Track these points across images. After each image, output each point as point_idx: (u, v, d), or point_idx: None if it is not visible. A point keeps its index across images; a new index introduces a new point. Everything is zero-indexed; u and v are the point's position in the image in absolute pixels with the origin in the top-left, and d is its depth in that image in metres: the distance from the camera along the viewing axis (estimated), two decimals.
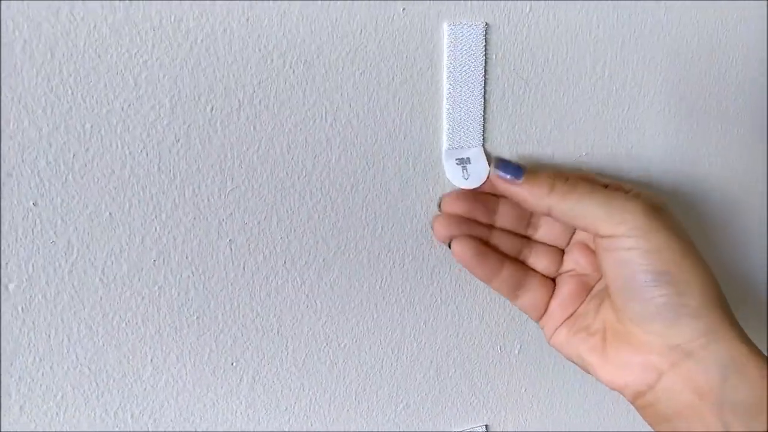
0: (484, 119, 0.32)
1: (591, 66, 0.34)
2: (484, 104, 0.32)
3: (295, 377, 0.32)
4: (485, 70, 0.31)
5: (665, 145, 0.37)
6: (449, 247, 0.31)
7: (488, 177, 0.31)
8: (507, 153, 0.33)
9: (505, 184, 0.30)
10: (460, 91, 0.31)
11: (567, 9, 0.32)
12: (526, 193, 0.30)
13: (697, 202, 0.40)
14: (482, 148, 0.32)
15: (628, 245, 0.28)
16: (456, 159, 0.32)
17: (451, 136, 0.32)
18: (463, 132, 0.32)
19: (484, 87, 0.32)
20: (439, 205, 0.32)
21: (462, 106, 0.32)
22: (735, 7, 0.37)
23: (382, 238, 0.32)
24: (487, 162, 0.32)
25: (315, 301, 0.31)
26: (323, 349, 0.32)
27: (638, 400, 0.29)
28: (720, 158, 0.40)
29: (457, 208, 0.32)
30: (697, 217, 0.40)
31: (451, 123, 0.32)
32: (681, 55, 0.36)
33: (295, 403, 0.32)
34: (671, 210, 0.30)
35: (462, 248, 0.31)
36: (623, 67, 0.35)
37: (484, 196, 0.32)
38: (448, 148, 0.32)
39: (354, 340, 0.33)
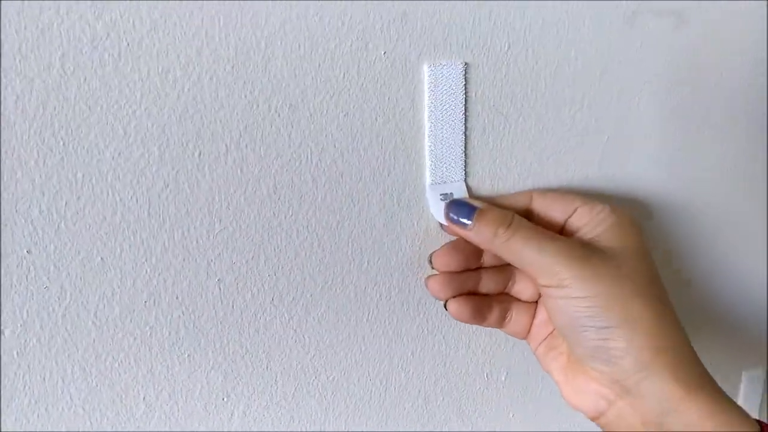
0: (465, 155, 0.33)
1: (570, 97, 0.35)
2: (465, 140, 0.33)
3: (285, 411, 0.33)
4: (465, 108, 0.32)
5: (648, 171, 0.38)
6: (444, 305, 0.33)
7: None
8: (488, 187, 0.34)
9: (455, 227, 0.32)
10: (442, 128, 0.32)
11: (545, 44, 0.33)
12: (474, 237, 0.31)
13: (682, 227, 0.41)
14: (464, 183, 0.33)
15: (560, 294, 0.29)
16: (440, 194, 0.33)
17: (433, 171, 0.33)
18: (446, 167, 0.33)
19: (465, 124, 0.33)
20: (430, 260, 0.33)
21: (444, 142, 0.32)
22: (714, 39, 0.38)
23: (368, 273, 0.33)
24: (468, 196, 0.33)
25: (303, 336, 0.32)
26: (312, 383, 0.33)
27: (596, 421, 0.31)
28: (710, 184, 0.41)
29: (449, 264, 0.33)
30: (680, 236, 0.41)
31: (433, 159, 0.32)
32: (661, 83, 0.37)
33: None
34: (636, 228, 0.31)
35: (458, 309, 0.32)
36: (603, 96, 0.36)
37: (470, 244, 0.33)
38: (432, 183, 0.33)
39: (342, 373, 0.34)
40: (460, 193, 0.33)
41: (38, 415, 0.28)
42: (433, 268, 0.33)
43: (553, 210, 0.33)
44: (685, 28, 0.37)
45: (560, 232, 0.33)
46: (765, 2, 0.39)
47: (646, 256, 0.31)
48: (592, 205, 0.32)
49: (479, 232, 0.31)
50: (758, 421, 0.29)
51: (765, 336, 0.50)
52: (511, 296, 0.34)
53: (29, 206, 0.26)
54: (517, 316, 0.34)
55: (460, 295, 0.33)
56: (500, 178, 0.34)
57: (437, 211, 0.32)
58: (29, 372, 0.28)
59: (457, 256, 0.32)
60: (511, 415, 0.38)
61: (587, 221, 0.32)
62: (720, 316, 0.46)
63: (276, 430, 0.33)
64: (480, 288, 0.33)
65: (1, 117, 0.25)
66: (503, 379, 0.38)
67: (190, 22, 0.27)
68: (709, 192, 0.42)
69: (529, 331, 0.34)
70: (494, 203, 0.33)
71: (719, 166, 0.41)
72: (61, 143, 0.26)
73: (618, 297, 0.29)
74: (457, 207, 0.32)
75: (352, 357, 0.34)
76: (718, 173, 0.41)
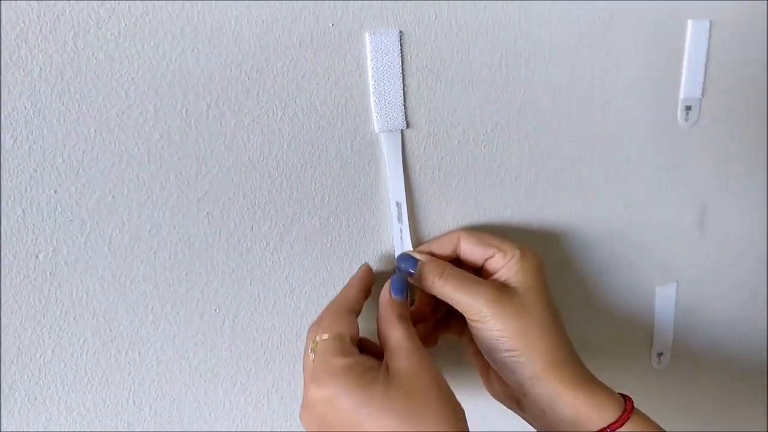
0: (405, 107, 0.41)
1: (489, 59, 0.43)
2: (404, 95, 0.40)
3: (267, 319, 0.41)
4: (402, 68, 0.40)
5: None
6: None
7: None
8: (425, 132, 0.42)
9: (403, 275, 0.41)
10: (383, 85, 0.39)
11: (465, 15, 0.41)
12: (417, 284, 0.41)
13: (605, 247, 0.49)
14: (410, 240, 0.43)
15: (480, 327, 0.39)
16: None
17: (379, 121, 0.40)
18: (389, 117, 0.40)
19: (403, 81, 0.40)
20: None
21: (386, 97, 0.40)
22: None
23: (329, 206, 0.40)
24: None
25: (279, 258, 0.40)
26: (288, 295, 0.41)
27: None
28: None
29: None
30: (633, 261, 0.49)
31: (378, 111, 0.40)
32: (563, 48, 0.45)
33: (268, 339, 0.41)
34: (538, 271, 0.41)
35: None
36: (516, 58, 0.43)
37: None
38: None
39: (312, 287, 0.41)
40: (407, 246, 0.42)
41: (68, 323, 0.36)
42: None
43: (475, 253, 0.42)
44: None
45: (481, 268, 0.42)
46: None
47: (544, 293, 0.41)
48: (505, 252, 0.41)
49: (420, 281, 0.40)
50: (623, 396, 0.39)
51: (765, 335, 0.59)
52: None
53: (54, 156, 0.33)
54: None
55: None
56: (435, 126, 0.42)
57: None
58: (59, 288, 0.35)
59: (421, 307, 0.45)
60: None
61: (501, 266, 0.41)
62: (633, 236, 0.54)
63: (260, 335, 0.41)
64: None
65: (31, 86, 0.32)
66: None
67: (174, 6, 0.33)
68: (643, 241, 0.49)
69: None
70: (431, 247, 0.43)
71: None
72: (77, 105, 0.33)
73: (521, 329, 0.39)
74: (405, 260, 0.41)
75: (319, 275, 0.41)
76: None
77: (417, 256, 0.41)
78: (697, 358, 0.62)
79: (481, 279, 0.41)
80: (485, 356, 0.41)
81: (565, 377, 0.39)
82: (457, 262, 0.43)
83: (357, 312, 0.39)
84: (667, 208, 0.54)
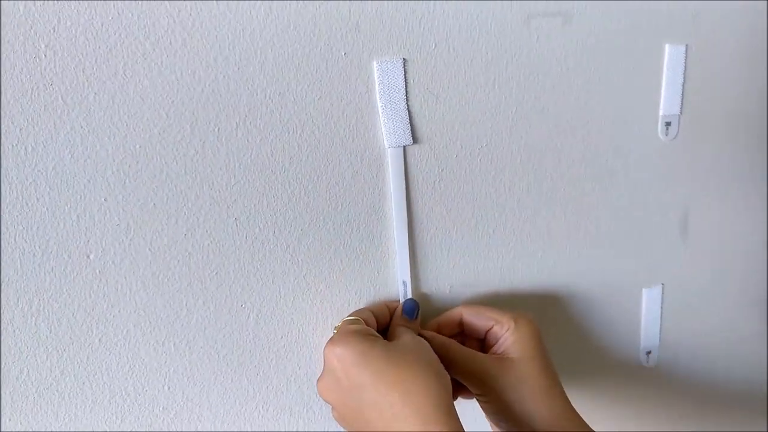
0: (411, 124, 0.46)
1: (483, 81, 0.48)
2: (409, 113, 0.45)
3: (287, 314, 0.45)
4: (406, 91, 0.45)
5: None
6: None
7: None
8: (426, 140, 0.47)
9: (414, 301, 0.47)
10: (390, 105, 0.45)
11: (462, 43, 0.46)
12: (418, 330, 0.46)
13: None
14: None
15: (482, 399, 0.44)
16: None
17: (388, 137, 0.45)
18: (396, 134, 0.46)
19: (407, 102, 0.45)
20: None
21: (393, 115, 0.45)
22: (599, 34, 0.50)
23: (341, 213, 0.45)
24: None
25: (297, 258, 0.45)
26: (305, 292, 0.46)
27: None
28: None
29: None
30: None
31: (387, 128, 0.45)
32: (554, 71, 0.50)
33: (288, 333, 0.46)
34: (534, 339, 0.45)
35: None
36: (508, 81, 0.48)
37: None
38: (389, 145, 0.45)
39: (327, 286, 0.46)
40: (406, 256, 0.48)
41: (113, 316, 0.41)
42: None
43: (476, 326, 0.47)
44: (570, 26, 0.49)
45: (484, 338, 0.47)
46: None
47: (541, 360, 0.45)
48: (501, 324, 0.46)
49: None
50: None
51: (765, 333, 0.63)
52: None
53: (105, 168, 0.38)
54: None
55: None
56: (436, 141, 0.47)
57: None
58: (107, 284, 0.40)
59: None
60: None
61: (498, 337, 0.46)
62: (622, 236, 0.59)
63: (281, 326, 0.45)
64: None
65: (86, 108, 0.37)
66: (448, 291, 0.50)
67: (208, 38, 0.39)
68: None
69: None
70: (438, 323, 0.48)
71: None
72: (125, 124, 0.38)
73: (517, 399, 0.43)
74: (408, 305, 0.47)
75: (332, 275, 0.46)
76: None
77: (425, 334, 0.45)
78: (686, 356, 0.66)
79: (481, 354, 0.45)
80: (494, 425, 0.45)
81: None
82: (462, 333, 0.48)
83: (375, 314, 0.46)
84: (652, 215, 0.59)
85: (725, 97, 0.59)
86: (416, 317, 0.46)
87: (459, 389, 0.46)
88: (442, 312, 0.49)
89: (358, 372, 0.38)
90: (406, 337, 0.42)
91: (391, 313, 0.47)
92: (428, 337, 0.44)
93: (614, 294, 0.59)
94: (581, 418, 0.44)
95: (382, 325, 0.46)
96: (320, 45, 0.42)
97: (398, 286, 0.48)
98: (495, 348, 0.46)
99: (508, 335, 0.45)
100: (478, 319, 0.47)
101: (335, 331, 0.43)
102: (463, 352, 0.44)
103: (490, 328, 0.46)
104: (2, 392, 0.39)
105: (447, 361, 0.43)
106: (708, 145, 0.60)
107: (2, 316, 0.38)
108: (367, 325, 0.43)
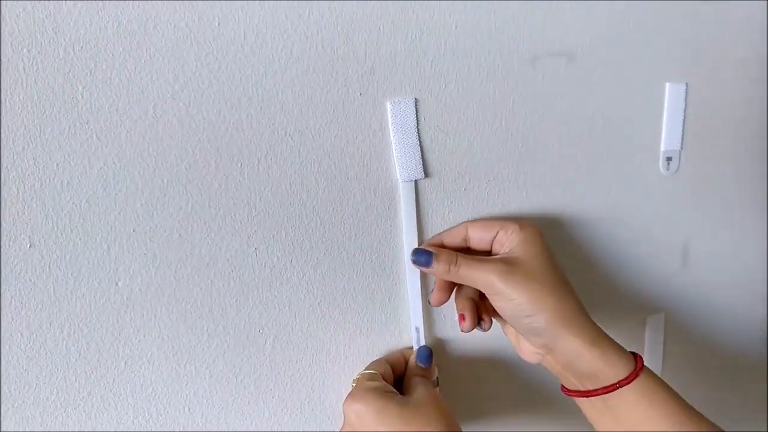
0: (422, 159, 0.48)
1: (491, 119, 0.50)
2: (421, 149, 0.48)
3: (302, 340, 0.47)
4: (417, 129, 0.47)
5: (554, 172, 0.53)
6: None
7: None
8: (437, 179, 0.49)
9: (420, 267, 0.48)
10: (403, 142, 0.47)
11: (471, 83, 0.48)
12: (435, 272, 0.47)
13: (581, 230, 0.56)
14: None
15: (497, 299, 0.45)
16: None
17: (401, 172, 0.48)
18: (409, 169, 0.48)
19: (419, 139, 0.48)
20: (429, 301, 0.50)
21: (405, 151, 0.47)
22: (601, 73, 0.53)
23: (355, 243, 0.48)
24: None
25: (312, 287, 0.47)
26: (319, 320, 0.48)
27: (537, 364, 0.48)
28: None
29: (441, 300, 0.50)
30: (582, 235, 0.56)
31: (400, 164, 0.47)
32: (558, 109, 0.52)
33: (302, 357, 0.48)
34: (539, 238, 0.46)
35: (468, 326, 0.48)
36: (514, 119, 0.51)
37: (447, 281, 0.49)
38: (403, 180, 0.48)
39: (340, 313, 0.48)
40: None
41: (139, 340, 0.43)
42: (430, 304, 0.50)
43: (482, 236, 0.48)
44: (574, 64, 0.52)
45: (490, 249, 0.48)
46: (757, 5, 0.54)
47: (548, 258, 0.46)
48: (506, 228, 0.47)
49: (437, 271, 0.47)
50: (633, 354, 0.45)
51: (766, 332, 0.65)
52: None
53: (135, 201, 0.41)
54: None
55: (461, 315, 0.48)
56: (445, 176, 0.49)
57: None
58: (133, 310, 0.42)
59: (441, 294, 0.49)
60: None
61: (504, 241, 0.47)
62: (625, 262, 0.61)
63: (296, 353, 0.47)
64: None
65: (118, 146, 0.40)
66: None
67: (233, 80, 0.41)
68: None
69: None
70: (442, 238, 0.49)
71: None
72: (154, 160, 0.41)
73: (531, 294, 0.44)
74: (420, 254, 0.47)
75: (345, 302, 0.48)
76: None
77: (430, 249, 0.47)
78: (689, 364, 0.68)
79: (488, 257, 0.47)
80: (512, 326, 0.46)
81: (580, 334, 0.44)
82: (467, 251, 0.49)
83: (391, 364, 0.48)
84: (654, 246, 0.61)
85: (724, 133, 0.61)
86: (430, 364, 0.49)
87: (481, 310, 0.49)
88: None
89: (375, 429, 0.41)
90: (420, 391, 0.44)
91: (407, 360, 0.49)
92: (436, 253, 0.46)
93: (618, 323, 0.61)
94: (591, 319, 0.45)
95: (398, 374, 0.48)
96: (337, 86, 0.44)
97: (410, 314, 0.50)
98: (502, 253, 0.47)
99: (513, 237, 0.46)
100: (484, 228, 0.48)
101: (353, 385, 0.46)
102: (469, 259, 0.46)
103: (495, 236, 0.47)
104: (33, 412, 0.41)
105: (455, 271, 0.45)
106: (708, 179, 0.62)
107: (35, 340, 0.40)
108: (384, 378, 0.46)
